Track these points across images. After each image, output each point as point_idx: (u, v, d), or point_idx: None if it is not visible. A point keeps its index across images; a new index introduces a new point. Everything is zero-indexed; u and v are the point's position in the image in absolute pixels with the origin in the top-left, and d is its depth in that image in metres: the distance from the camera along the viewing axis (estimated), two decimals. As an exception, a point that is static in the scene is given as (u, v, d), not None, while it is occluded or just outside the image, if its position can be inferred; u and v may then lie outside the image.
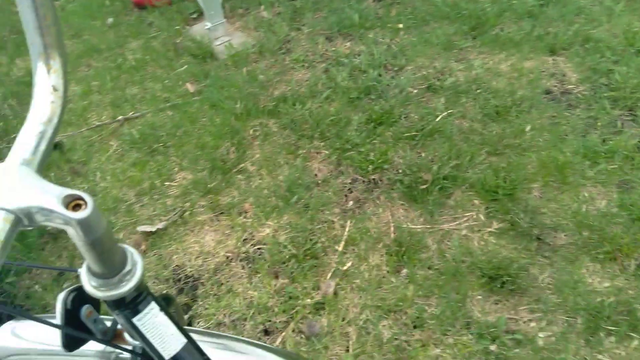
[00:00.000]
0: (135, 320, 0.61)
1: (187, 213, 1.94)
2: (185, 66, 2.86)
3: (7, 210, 0.42)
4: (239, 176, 2.10)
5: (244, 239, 1.85)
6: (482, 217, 1.86)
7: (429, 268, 1.72)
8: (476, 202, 1.91)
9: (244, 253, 1.80)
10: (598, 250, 1.69)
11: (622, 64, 2.41)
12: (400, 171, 2.05)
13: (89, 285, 0.56)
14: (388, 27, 2.96)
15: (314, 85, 2.56)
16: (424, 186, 1.96)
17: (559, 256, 1.70)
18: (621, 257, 1.67)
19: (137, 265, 0.57)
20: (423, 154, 2.12)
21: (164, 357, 0.64)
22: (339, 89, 2.50)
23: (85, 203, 0.44)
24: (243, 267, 1.76)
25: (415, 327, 1.57)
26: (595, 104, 2.24)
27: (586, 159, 1.98)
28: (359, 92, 2.47)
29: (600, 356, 1.47)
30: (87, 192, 0.44)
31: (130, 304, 0.60)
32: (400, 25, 2.95)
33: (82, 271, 0.57)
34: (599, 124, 2.15)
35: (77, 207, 0.44)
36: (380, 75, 2.60)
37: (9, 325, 0.91)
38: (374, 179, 2.05)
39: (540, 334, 1.52)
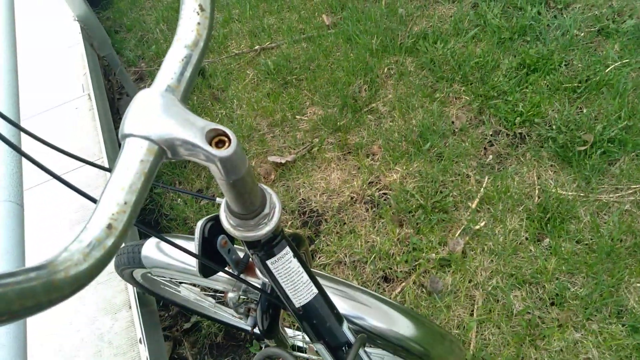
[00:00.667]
0: (269, 262, 0.60)
1: (316, 149, 1.90)
2: (323, -4, 2.73)
3: (152, 141, 0.39)
4: (370, 116, 1.99)
5: (370, 182, 1.77)
6: (653, 191, 1.55)
7: (578, 242, 1.49)
8: (648, 173, 1.59)
9: (368, 196, 1.72)
10: None
11: None
12: (554, 127, 1.77)
13: (227, 223, 0.55)
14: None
15: (459, 22, 2.28)
16: (583, 148, 1.67)
17: None
18: None
19: (275, 209, 0.55)
20: (585, 110, 1.80)
21: (294, 304, 0.63)
22: (488, 28, 2.20)
23: (229, 140, 0.40)
24: (367, 210, 1.69)
25: (553, 304, 1.39)
26: None
27: None
28: (512, 32, 2.15)
29: None
30: (229, 128, 0.38)
31: (265, 246, 0.59)
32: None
33: (222, 208, 0.56)
34: None
35: (220, 144, 0.41)
36: (539, 13, 2.23)
37: (154, 239, 0.95)
38: (520, 133, 1.80)
39: None
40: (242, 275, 0.74)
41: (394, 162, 1.80)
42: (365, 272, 1.54)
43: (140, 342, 1.20)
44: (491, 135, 1.82)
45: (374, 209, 1.69)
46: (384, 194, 1.73)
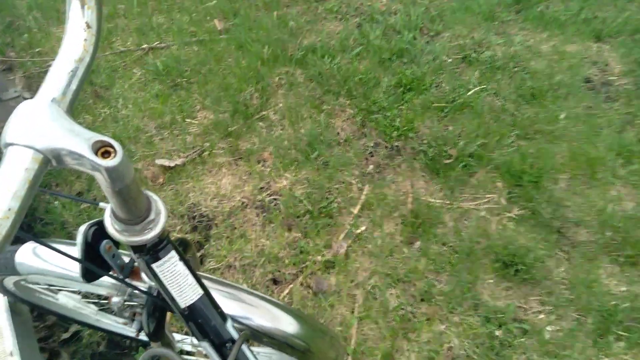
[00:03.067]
0: (154, 266, 0.61)
1: (207, 153, 1.86)
2: (215, 1, 2.70)
3: (37, 150, 0.40)
4: (261, 123, 2.01)
5: (261, 187, 1.79)
6: (503, 201, 1.79)
7: (444, 244, 1.66)
8: (499, 184, 1.84)
9: (259, 201, 1.74)
10: (619, 252, 1.63)
11: (669, 62, 2.27)
12: (425, 142, 1.96)
13: (112, 228, 0.55)
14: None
15: (345, 40, 2.42)
16: (448, 161, 1.88)
17: (577, 252, 1.64)
18: None
19: (160, 215, 0.56)
20: (451, 128, 2.03)
21: (180, 306, 0.65)
22: (370, 47, 2.36)
23: (115, 151, 0.42)
24: (257, 215, 1.71)
25: (422, 300, 1.53)
26: (636, 100, 2.12)
27: (620, 157, 1.89)
28: (391, 54, 2.34)
29: (606, 359, 1.44)
30: (113, 129, 0.38)
31: (151, 250, 0.60)
32: (443, -12, 2.77)
33: (106, 213, 0.56)
34: (637, 121, 2.04)
35: (106, 154, 0.42)
36: (415, 38, 2.45)
37: (31, 244, 0.88)
38: (397, 146, 1.96)
39: (548, 327, 1.48)
40: (127, 279, 0.72)
41: (284, 168, 1.84)
42: (255, 275, 1.55)
43: (12, 354, 1.08)
44: (372, 146, 1.96)
45: (264, 214, 1.71)
46: (274, 199, 1.76)
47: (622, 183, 1.82)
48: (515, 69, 2.29)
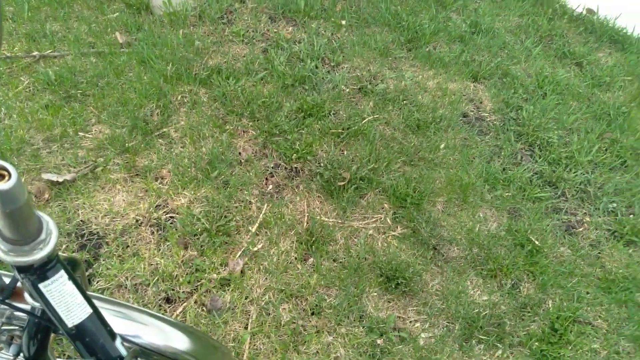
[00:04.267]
0: (41, 286, 0.60)
1: (100, 169, 1.85)
2: (117, 13, 2.68)
3: None
4: (161, 140, 2.04)
5: (157, 205, 1.81)
6: (389, 220, 2.00)
7: (334, 260, 1.81)
8: (386, 205, 2.04)
9: (155, 219, 1.76)
10: (483, 267, 1.89)
11: (530, 103, 2.69)
12: (322, 165, 2.12)
13: None
14: (331, 21, 3.01)
15: (250, 63, 2.53)
16: (342, 183, 2.05)
17: (449, 267, 1.88)
18: (500, 276, 1.89)
19: (51, 235, 0.56)
20: (345, 152, 2.21)
21: (67, 325, 0.64)
22: (275, 72, 2.51)
23: (9, 174, 0.43)
24: (152, 233, 1.72)
25: (313, 313, 1.66)
26: (502, 135, 2.48)
27: (487, 183, 2.20)
28: (294, 80, 2.50)
29: None
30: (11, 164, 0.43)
31: (39, 270, 0.59)
32: (343, 22, 3.02)
33: None
34: (502, 153, 2.39)
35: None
36: (317, 67, 2.64)
37: None
38: (296, 168, 2.10)
39: (423, 335, 1.68)
40: (8, 301, 0.71)
41: (182, 186, 1.89)
42: (147, 295, 1.56)
43: None
44: (272, 167, 2.07)
45: (159, 232, 1.73)
46: (171, 217, 1.79)
47: (488, 206, 2.12)
48: (405, 101, 2.56)
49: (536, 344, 1.73)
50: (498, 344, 1.70)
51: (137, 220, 1.74)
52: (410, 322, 1.72)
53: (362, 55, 2.79)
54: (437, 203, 2.09)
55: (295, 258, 1.79)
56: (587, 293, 1.91)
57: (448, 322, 1.73)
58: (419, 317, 1.73)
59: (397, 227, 1.98)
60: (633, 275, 1.99)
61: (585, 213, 2.21)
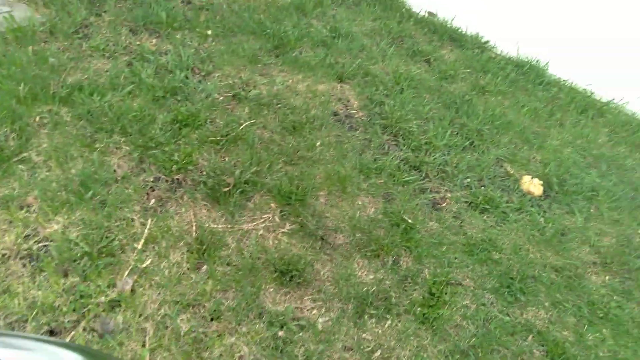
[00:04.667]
0: None
1: (-50, 204, 1.66)
2: (-51, 31, 2.40)
3: None
4: (22, 166, 1.88)
5: (26, 235, 1.68)
6: (277, 218, 2.08)
7: (228, 264, 1.84)
8: (272, 205, 2.13)
9: (25, 250, 1.63)
10: (366, 248, 2.07)
11: (391, 98, 2.98)
12: (204, 173, 2.13)
13: None
14: (196, 31, 3.01)
15: (115, 78, 2.45)
16: (227, 189, 2.09)
17: (337, 253, 2.02)
18: (382, 255, 2.08)
19: None
20: (227, 159, 2.25)
21: None
22: (143, 85, 2.45)
23: None
24: (24, 266, 1.59)
25: (212, 319, 1.67)
26: (370, 129, 2.72)
27: (361, 174, 2.40)
28: (165, 92, 2.46)
29: (364, 335, 1.81)
30: None
31: None
32: (209, 32, 3.05)
33: None
34: (372, 145, 2.61)
35: None
36: (187, 77, 2.64)
37: None
38: (177, 179, 2.08)
39: (320, 319, 1.79)
40: None
41: (53, 212, 1.77)
42: (26, 330, 1.45)
43: None
44: (152, 181, 2.03)
45: (33, 263, 1.61)
46: (44, 245, 1.67)
47: (365, 194, 2.31)
48: (279, 105, 2.67)
49: (419, 309, 1.93)
50: (387, 315, 1.88)
51: (3, 255, 1.60)
52: (308, 310, 1.82)
53: (232, 64, 2.84)
54: (320, 197, 2.23)
55: (188, 268, 1.78)
56: (455, 258, 2.18)
57: (342, 304, 1.86)
58: (315, 304, 1.84)
59: (285, 224, 2.07)
60: (489, 237, 2.32)
61: (446, 190, 2.52)
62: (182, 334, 1.59)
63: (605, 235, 2.58)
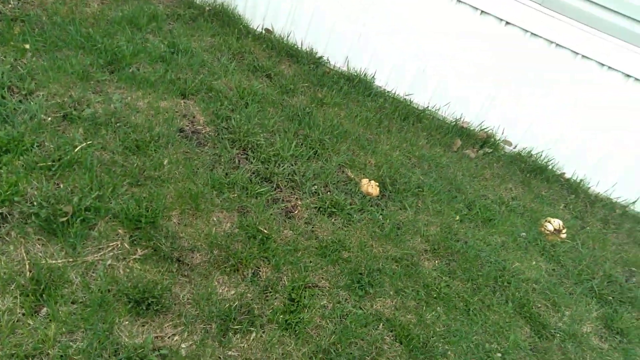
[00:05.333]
0: None
1: None
2: None
3: None
4: None
5: None
6: (126, 245, 1.93)
7: (73, 302, 1.65)
8: (120, 231, 1.97)
9: None
10: (225, 264, 2.04)
11: (237, 112, 2.99)
12: (35, 204, 1.88)
13: None
14: (11, 45, 2.65)
15: None
16: (64, 219, 1.87)
17: (196, 273, 1.95)
18: (242, 268, 2.07)
19: None
20: (62, 185, 2.02)
21: None
22: (-54, 107, 2.06)
23: None
24: None
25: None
26: (219, 144, 2.69)
27: (214, 189, 2.36)
28: (-24, 114, 2.11)
29: (230, 352, 1.78)
30: None
31: None
32: (27, 46, 2.70)
33: None
34: (222, 160, 2.59)
35: None
36: (3, 97, 2.30)
37: None
38: (2, 213, 1.80)
39: (183, 345, 1.71)
40: None
41: None
42: None
43: None
44: (-33, 219, 1.72)
45: None
46: None
47: (219, 209, 2.28)
48: (118, 124, 2.49)
49: (281, 316, 1.98)
50: (251, 328, 1.88)
51: None
52: (169, 337, 1.72)
53: (59, 81, 2.56)
54: (172, 217, 2.13)
55: (23, 314, 1.55)
56: (310, 262, 2.28)
57: (205, 325, 1.81)
58: (177, 329, 1.76)
59: (136, 250, 1.93)
60: (338, 239, 2.48)
61: (297, 198, 2.62)
62: (22, 390, 1.38)
63: (431, 225, 2.95)
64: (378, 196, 2.96)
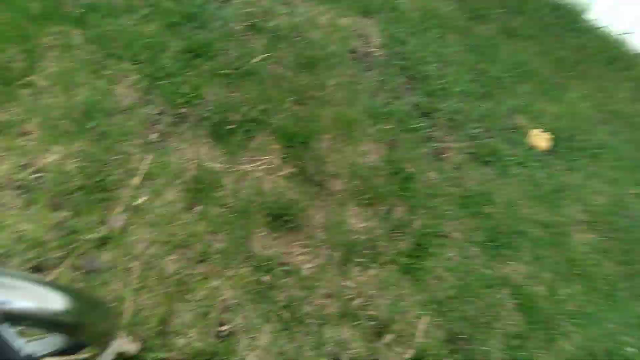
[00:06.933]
0: None
1: (-56, 129, 1.36)
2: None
3: None
4: (25, 90, 1.54)
5: (22, 165, 1.39)
6: (277, 160, 1.72)
7: (222, 206, 1.53)
8: (275, 147, 1.75)
9: (19, 180, 1.35)
10: (362, 197, 1.71)
11: (414, 37, 2.39)
12: (210, 108, 1.74)
13: None
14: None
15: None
16: (231, 126, 1.71)
17: (332, 200, 1.67)
18: (377, 203, 1.72)
19: None
20: (235, 94, 1.84)
21: None
22: (159, 9, 1.98)
23: None
24: (17, 197, 1.33)
25: (200, 261, 1.40)
26: (386, 70, 2.20)
27: (370, 118, 1.95)
28: (182, 17, 1.99)
29: (347, 282, 1.52)
30: None
31: None
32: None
33: None
34: (385, 87, 2.12)
35: None
36: (207, 2, 2.13)
37: None
38: (182, 113, 1.71)
39: (306, 266, 1.50)
40: None
41: (52, 141, 1.46)
42: (10, 266, 1.21)
43: None
44: (157, 114, 1.67)
45: (25, 195, 1.34)
46: (40, 177, 1.38)
47: (370, 140, 1.89)
48: (297, 38, 2.16)
49: (404, 259, 1.61)
50: (372, 264, 1.57)
51: (-2, 184, 1.33)
52: (296, 255, 1.53)
53: (255, -11, 2.28)
54: (324, 140, 1.83)
55: (182, 208, 1.48)
56: (448, 210, 1.80)
57: (329, 251, 1.56)
58: (303, 250, 1.54)
59: (285, 167, 1.71)
60: (485, 191, 1.91)
61: (452, 139, 2.06)
62: (166, 275, 1.34)
63: (599, 194, 2.11)
64: (545, 151, 2.20)
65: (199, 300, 1.33)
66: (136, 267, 1.32)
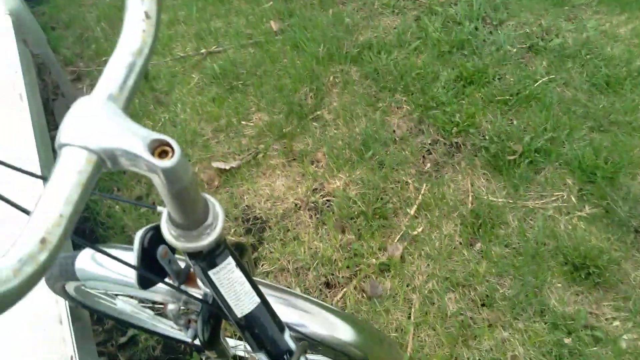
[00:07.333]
0: (211, 273, 0.59)
1: (261, 155, 1.91)
2: (271, 2, 2.75)
3: (90, 151, 0.38)
4: (315, 123, 2.03)
5: (314, 189, 1.81)
6: (573, 198, 1.69)
7: (506, 246, 1.59)
8: (569, 181, 1.73)
9: (312, 202, 1.76)
10: None
11: None
12: (486, 137, 1.89)
13: (168, 234, 0.54)
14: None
15: (402, 34, 2.38)
16: (512, 157, 1.80)
17: (659, 254, 1.51)
18: None
19: (218, 219, 0.54)
20: (515, 122, 1.94)
21: (236, 315, 0.63)
22: (429, 41, 2.31)
23: (173, 150, 0.39)
24: (310, 217, 1.73)
25: (483, 305, 1.48)
26: None
27: None
28: (451, 46, 2.27)
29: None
30: (172, 133, 0.38)
31: (207, 256, 0.58)
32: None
33: (163, 218, 0.54)
34: None
35: (163, 154, 0.39)
36: (477, 28, 2.37)
37: (89, 250, 0.92)
38: (456, 143, 1.90)
39: (625, 336, 1.38)
40: (182, 286, 0.72)
41: (337, 169, 1.85)
42: (308, 279, 1.57)
43: (72, 359, 1.16)
44: (430, 144, 1.92)
45: (317, 216, 1.73)
46: (328, 200, 1.77)
47: None
48: (588, 56, 2.15)
49: None
50: None
51: (296, 205, 1.76)
52: (607, 320, 1.43)
53: (531, 8, 2.42)
54: (638, 175, 1.70)
55: (460, 243, 1.62)
56: None
57: (658, 323, 1.39)
58: (618, 314, 1.43)
59: (584, 207, 1.66)
60: None
61: None
62: (448, 314, 1.46)
63: None
64: None
65: (485, 350, 1.39)
66: (416, 300, 1.50)
